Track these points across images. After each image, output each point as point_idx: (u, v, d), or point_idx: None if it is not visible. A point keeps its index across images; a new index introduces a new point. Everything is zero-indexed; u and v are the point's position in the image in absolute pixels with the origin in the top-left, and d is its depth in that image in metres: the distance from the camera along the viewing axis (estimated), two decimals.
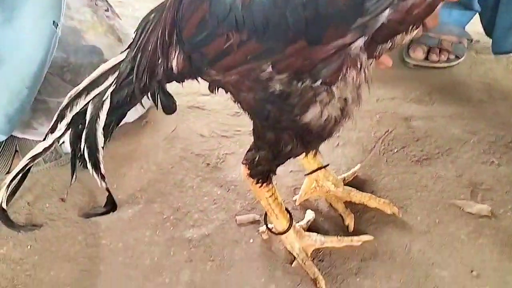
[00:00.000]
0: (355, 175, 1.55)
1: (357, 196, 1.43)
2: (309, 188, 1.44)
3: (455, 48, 2.22)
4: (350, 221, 1.38)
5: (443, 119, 1.88)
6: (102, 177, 1.24)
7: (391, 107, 1.94)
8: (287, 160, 1.11)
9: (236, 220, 1.42)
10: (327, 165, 1.40)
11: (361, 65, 0.86)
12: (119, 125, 1.27)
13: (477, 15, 2.16)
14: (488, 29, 2.10)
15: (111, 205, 1.39)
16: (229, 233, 1.38)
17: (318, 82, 0.87)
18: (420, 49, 2.21)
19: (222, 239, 1.36)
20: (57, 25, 1.37)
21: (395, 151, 1.69)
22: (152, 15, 1.07)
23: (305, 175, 1.43)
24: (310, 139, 1.01)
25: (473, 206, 1.45)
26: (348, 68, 0.85)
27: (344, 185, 1.46)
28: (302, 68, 0.85)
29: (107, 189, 1.30)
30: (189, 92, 2.04)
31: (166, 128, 1.83)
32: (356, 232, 1.36)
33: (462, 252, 1.31)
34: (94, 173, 1.22)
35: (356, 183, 1.54)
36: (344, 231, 1.37)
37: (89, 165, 1.20)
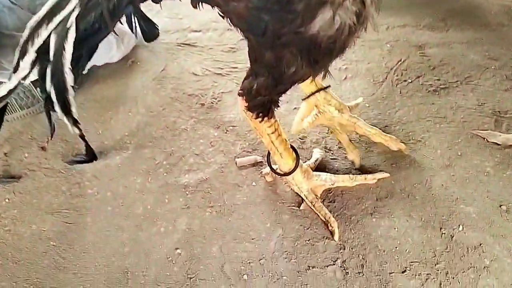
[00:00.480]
0: (357, 106, 1.38)
1: (362, 128, 1.25)
2: (306, 115, 1.27)
3: None
4: (355, 157, 1.23)
5: (460, 45, 1.70)
6: (74, 122, 1.04)
7: (402, 35, 1.75)
8: (291, 86, 0.95)
9: (236, 163, 1.28)
10: (328, 86, 1.22)
11: None
12: (91, 60, 1.08)
13: None
14: None
15: (91, 154, 1.23)
16: (229, 177, 1.25)
17: None
18: None
19: (221, 184, 1.23)
20: None
21: (409, 81, 1.52)
22: None
23: (302, 99, 1.25)
24: (318, 56, 0.83)
25: (498, 136, 1.30)
26: None
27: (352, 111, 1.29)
28: None
29: (81, 136, 1.11)
30: (178, 28, 1.85)
31: (155, 67, 1.65)
32: (370, 169, 1.23)
33: (489, 186, 1.17)
34: (64, 116, 1.01)
35: (367, 116, 1.39)
36: (357, 169, 1.24)
37: (57, 108, 0.99)
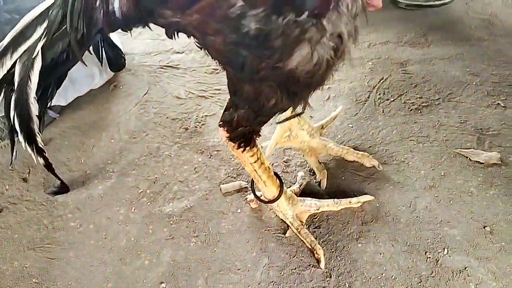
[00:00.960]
0: (334, 120, 1.40)
1: (334, 149, 1.29)
2: (281, 138, 1.29)
3: None
4: (322, 177, 1.25)
5: (441, 61, 1.71)
6: (39, 152, 1.04)
7: (384, 52, 1.77)
8: (271, 117, 0.95)
9: (221, 189, 1.27)
10: (302, 112, 1.22)
11: None
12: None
13: None
14: None
15: (64, 186, 1.22)
16: (214, 204, 1.24)
17: (305, 15, 0.69)
18: None
19: (206, 212, 1.22)
20: None
21: (392, 100, 1.53)
22: None
23: (277, 123, 1.24)
24: (296, 89, 0.83)
25: (481, 154, 1.31)
26: None
27: (323, 132, 1.34)
28: None
29: (47, 166, 1.09)
30: (160, 50, 1.84)
31: (138, 91, 1.64)
32: (354, 192, 1.23)
33: (473, 206, 1.18)
34: (28, 147, 1.01)
35: (350, 137, 1.39)
36: (341, 191, 1.23)
37: (21, 138, 0.99)
